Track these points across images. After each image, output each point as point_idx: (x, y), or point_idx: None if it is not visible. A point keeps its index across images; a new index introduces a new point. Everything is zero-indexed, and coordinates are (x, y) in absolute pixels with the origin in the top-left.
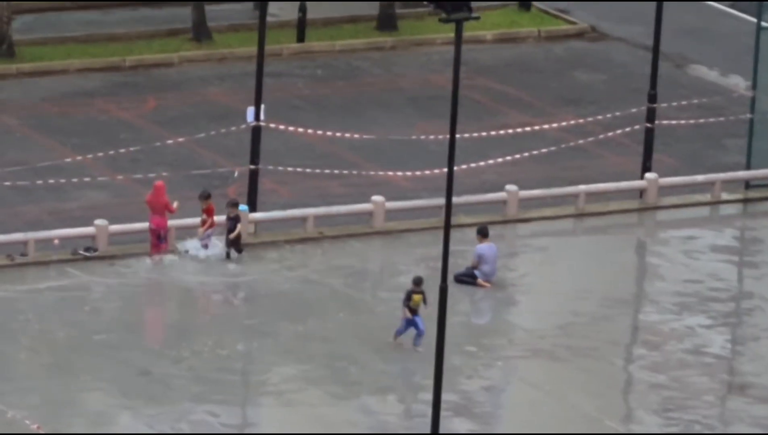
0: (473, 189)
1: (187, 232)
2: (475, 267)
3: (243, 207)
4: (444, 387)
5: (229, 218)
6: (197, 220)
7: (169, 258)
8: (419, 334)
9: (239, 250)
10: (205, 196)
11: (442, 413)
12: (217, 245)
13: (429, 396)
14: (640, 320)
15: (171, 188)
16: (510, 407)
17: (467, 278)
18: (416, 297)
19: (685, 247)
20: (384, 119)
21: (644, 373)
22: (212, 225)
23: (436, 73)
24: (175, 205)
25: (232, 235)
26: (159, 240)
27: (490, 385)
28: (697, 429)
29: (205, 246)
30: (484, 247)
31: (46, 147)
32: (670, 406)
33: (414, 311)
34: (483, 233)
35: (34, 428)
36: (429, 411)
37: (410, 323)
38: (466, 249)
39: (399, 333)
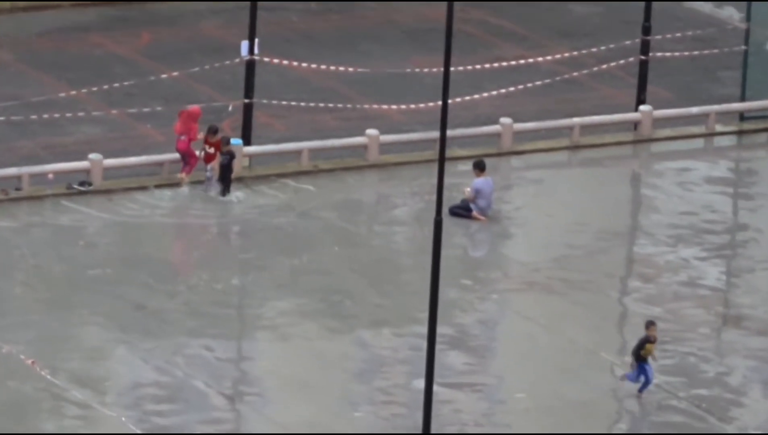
0: (468, 122)
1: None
2: (471, 200)
3: (237, 141)
4: (439, 320)
5: (222, 154)
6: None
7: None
8: (647, 382)
9: (227, 188)
10: (214, 131)
11: (438, 346)
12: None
13: (424, 329)
14: (635, 253)
15: (166, 122)
16: (505, 340)
17: (462, 211)
18: (649, 346)
19: (679, 179)
20: (379, 53)
21: (639, 306)
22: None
23: (431, 6)
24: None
25: (232, 174)
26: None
27: (486, 318)
28: (692, 361)
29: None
30: (481, 182)
31: (40, 82)
32: (666, 338)
33: (644, 359)
34: (480, 167)
35: (29, 363)
36: (424, 344)
37: (641, 371)
38: (461, 182)
39: (630, 379)
